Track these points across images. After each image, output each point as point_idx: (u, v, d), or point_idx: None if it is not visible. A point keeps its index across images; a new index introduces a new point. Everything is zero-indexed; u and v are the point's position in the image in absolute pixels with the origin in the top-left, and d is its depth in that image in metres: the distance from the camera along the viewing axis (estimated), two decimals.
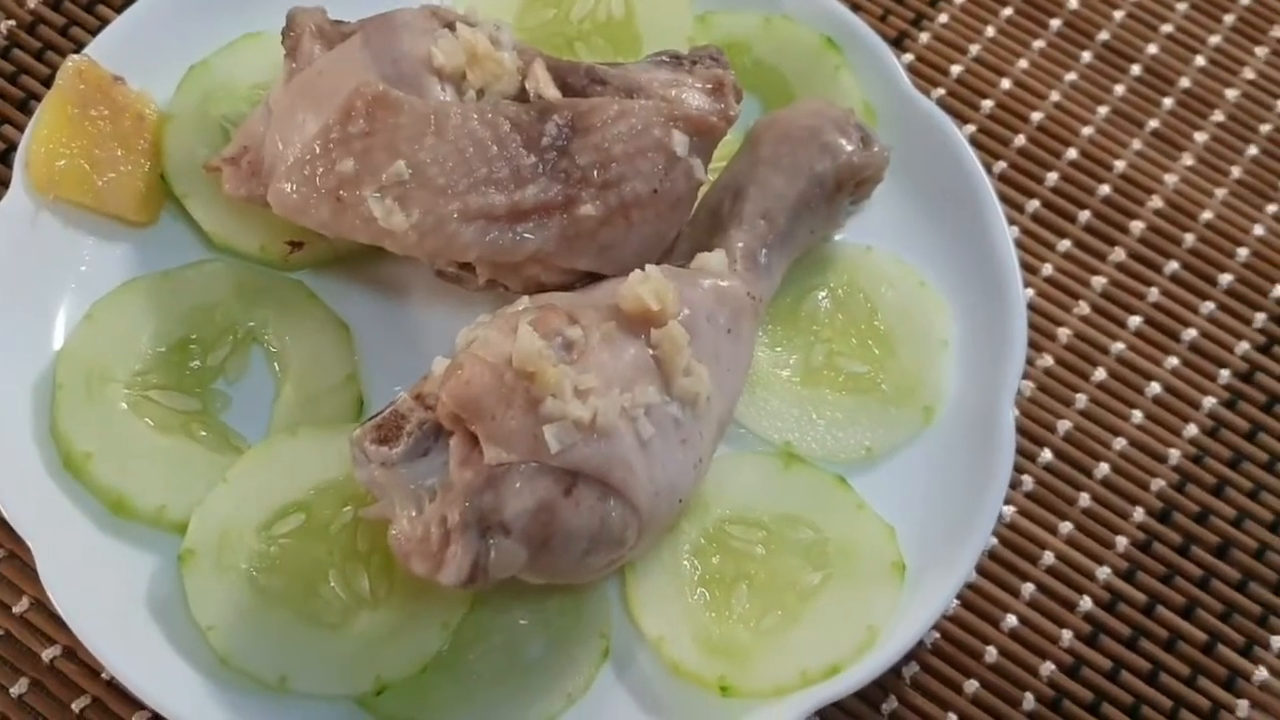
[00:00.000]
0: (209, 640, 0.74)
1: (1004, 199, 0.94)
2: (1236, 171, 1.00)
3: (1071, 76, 1.02)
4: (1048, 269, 0.95)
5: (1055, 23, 1.04)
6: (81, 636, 0.73)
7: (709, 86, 0.81)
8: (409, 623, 0.75)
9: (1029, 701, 0.82)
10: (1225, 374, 0.93)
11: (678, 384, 0.74)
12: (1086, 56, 1.03)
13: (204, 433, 0.80)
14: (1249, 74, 1.04)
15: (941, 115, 0.91)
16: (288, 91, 0.80)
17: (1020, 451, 0.87)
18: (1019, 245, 0.93)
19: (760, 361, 0.84)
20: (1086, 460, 0.89)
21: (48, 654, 0.78)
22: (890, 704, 0.81)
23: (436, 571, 0.69)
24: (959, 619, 0.84)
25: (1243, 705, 0.83)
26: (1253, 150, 1.01)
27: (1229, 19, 1.06)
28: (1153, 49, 1.04)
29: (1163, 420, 0.91)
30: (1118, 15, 1.05)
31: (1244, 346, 0.94)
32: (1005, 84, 1.01)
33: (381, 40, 0.79)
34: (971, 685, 0.82)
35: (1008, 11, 1.04)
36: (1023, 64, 1.02)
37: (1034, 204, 0.97)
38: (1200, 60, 1.04)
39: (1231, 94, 1.03)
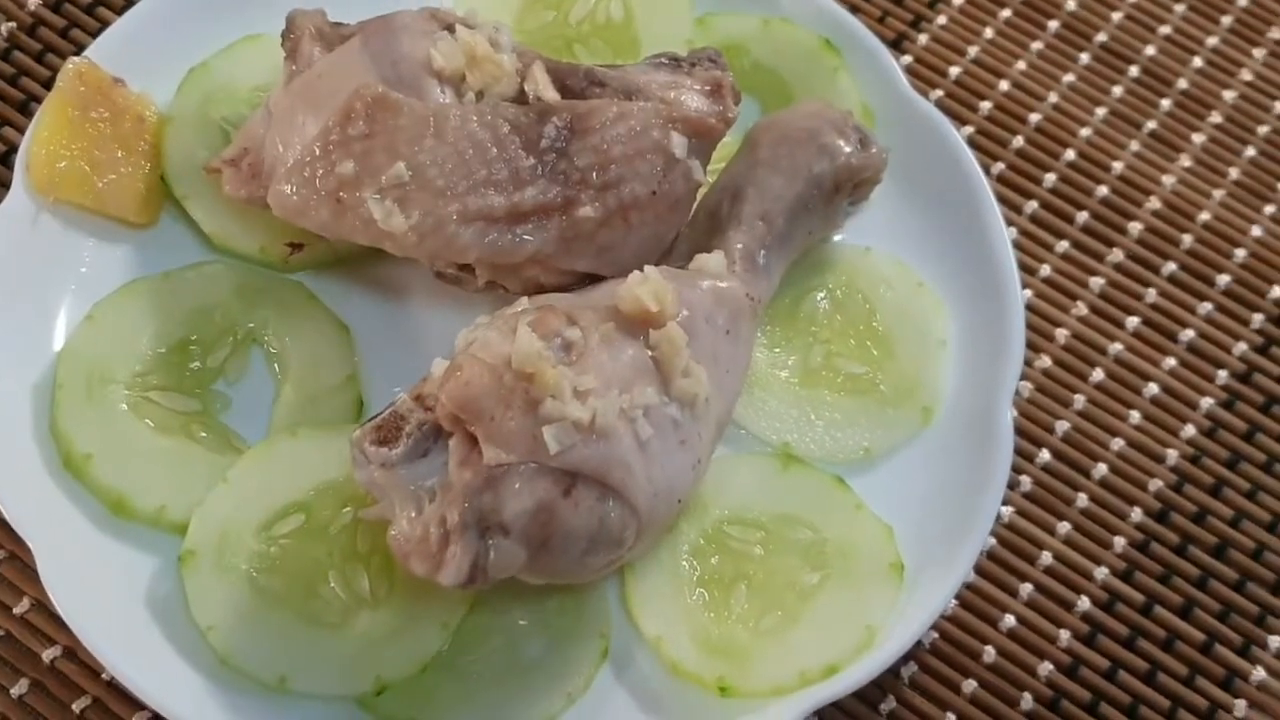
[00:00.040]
0: (209, 640, 0.74)
1: (1002, 200, 0.94)
2: (1234, 173, 1.00)
3: (1069, 78, 1.02)
4: (1046, 270, 0.95)
5: (1053, 24, 1.05)
6: (82, 637, 0.73)
7: (707, 88, 0.82)
8: (409, 623, 0.75)
9: (1027, 701, 0.82)
10: (1223, 375, 0.93)
11: (676, 385, 0.74)
12: (1084, 58, 1.04)
13: (204, 433, 0.80)
14: (1246, 75, 1.04)
15: (940, 117, 0.91)
16: (287, 93, 0.80)
17: (1018, 452, 0.87)
18: (1017, 246, 0.93)
19: (759, 362, 0.85)
20: (1084, 461, 0.89)
21: (48, 654, 0.79)
22: (889, 704, 0.81)
23: (436, 572, 0.69)
24: (957, 619, 0.84)
25: (1240, 705, 0.83)
26: (1250, 151, 1.01)
27: (1226, 21, 1.06)
28: (1150, 50, 1.04)
29: (1160, 421, 0.91)
30: (1116, 17, 1.05)
31: (1242, 347, 0.94)
32: (1003, 85, 1.02)
33: (381, 42, 0.80)
34: (970, 685, 0.83)
35: (1006, 13, 1.05)
36: (1021, 65, 1.03)
37: (1032, 205, 0.98)
38: (1198, 62, 1.04)
39: (1229, 95, 1.03)
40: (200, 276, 0.84)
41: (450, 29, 0.81)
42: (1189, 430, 0.91)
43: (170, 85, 0.88)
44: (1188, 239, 0.97)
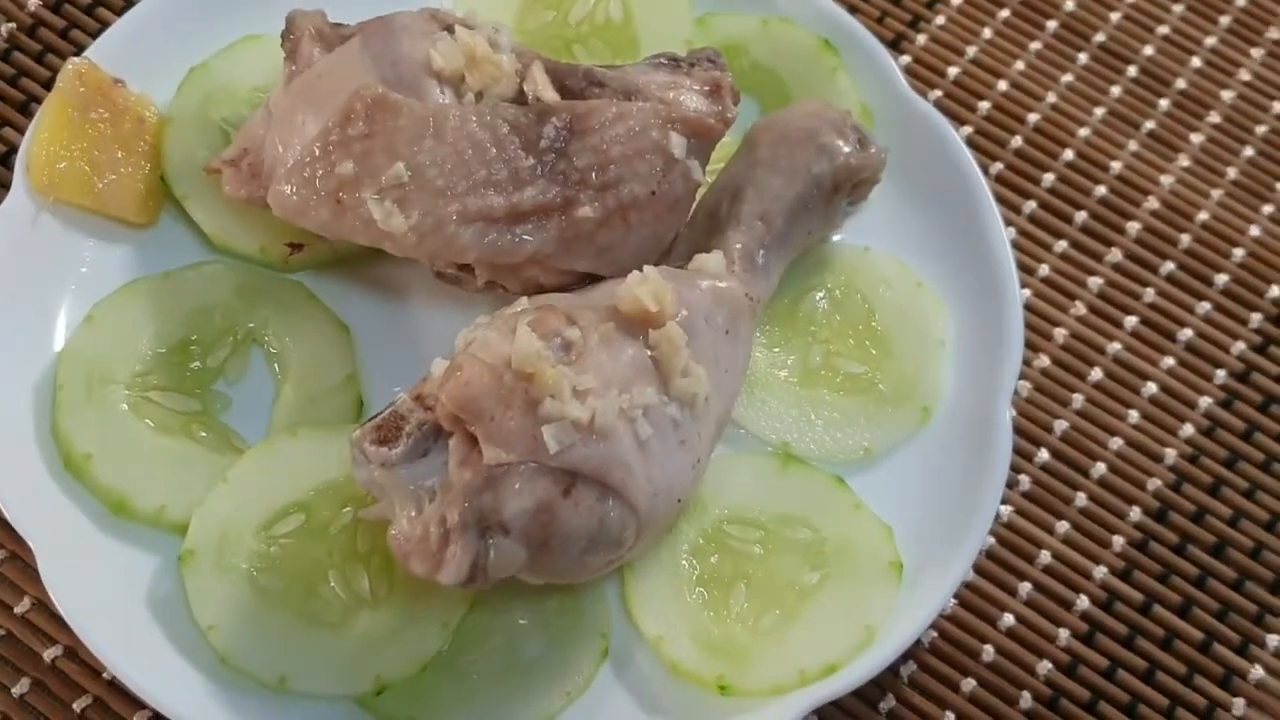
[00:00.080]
0: (209, 640, 0.74)
1: (1001, 200, 0.94)
2: (1232, 172, 1.00)
3: (1068, 78, 1.03)
4: (1044, 270, 0.95)
5: (1052, 24, 1.05)
6: (82, 636, 0.74)
7: (706, 89, 0.82)
8: (409, 623, 0.75)
9: (1026, 700, 0.83)
10: (1221, 374, 0.93)
11: (676, 385, 0.74)
12: (1083, 58, 1.04)
13: (204, 433, 0.80)
14: (1245, 75, 1.04)
15: (938, 117, 0.91)
16: (287, 94, 0.80)
17: (1017, 451, 0.87)
18: (1016, 246, 0.93)
19: (758, 362, 0.85)
20: (1083, 460, 0.89)
21: (49, 654, 0.79)
22: (888, 703, 0.82)
23: (436, 571, 0.70)
24: (956, 618, 0.84)
25: (1239, 704, 0.84)
26: (1248, 151, 1.01)
27: (1225, 21, 1.06)
28: (1149, 51, 1.04)
29: (1159, 420, 0.91)
30: (1114, 17, 1.05)
31: (1240, 347, 0.94)
32: (1002, 86, 1.02)
33: (381, 43, 0.80)
34: (969, 684, 0.83)
35: (1004, 13, 1.05)
36: (1019, 66, 1.03)
37: (1031, 205, 0.98)
38: (1196, 62, 1.04)
39: (1227, 95, 1.03)
40: (200, 277, 0.84)
41: (450, 30, 0.81)
42: (1187, 430, 0.91)
43: (170, 86, 0.88)
44: (1186, 239, 0.98)
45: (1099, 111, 1.01)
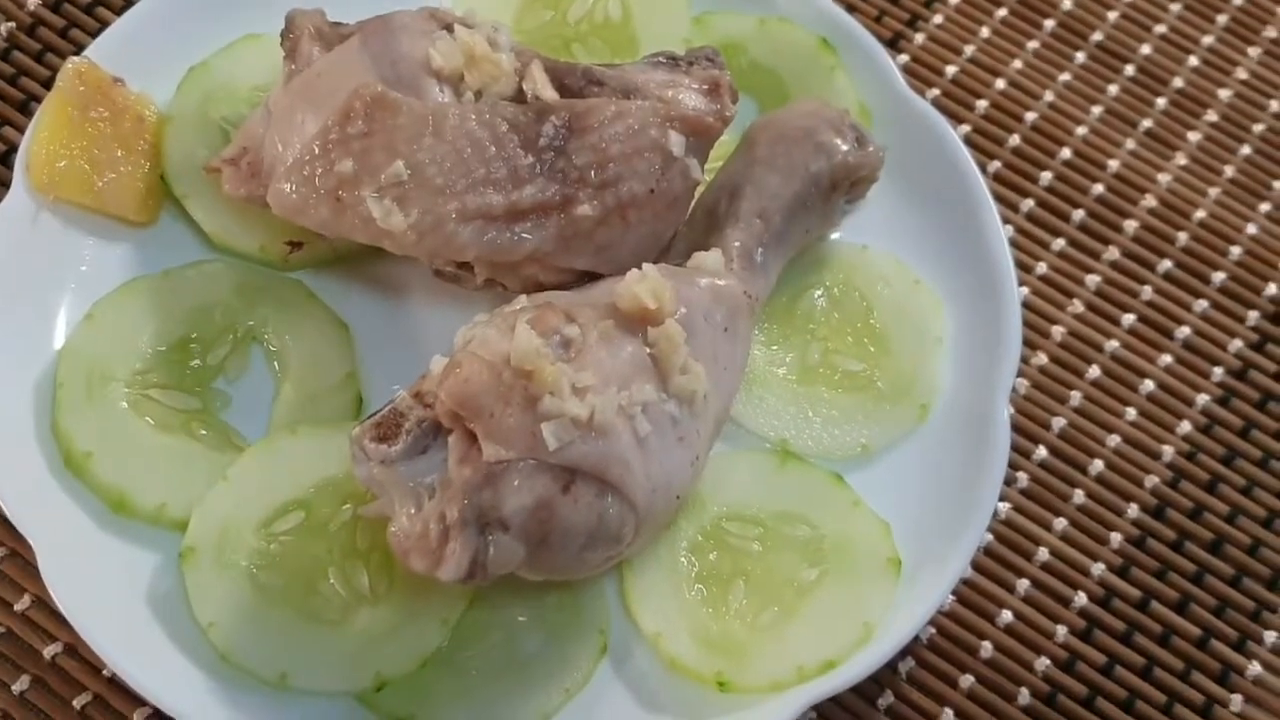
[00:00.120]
0: (210, 637, 0.74)
1: (998, 198, 0.94)
2: (1229, 171, 1.01)
3: (1065, 77, 1.03)
4: (1042, 267, 0.96)
5: (1049, 23, 1.05)
6: (83, 633, 0.74)
7: (705, 87, 0.82)
8: (408, 619, 0.76)
9: (1024, 696, 0.83)
10: (1219, 371, 0.94)
11: (675, 382, 0.74)
12: (1080, 57, 1.04)
13: (204, 431, 0.80)
14: (1241, 74, 1.04)
15: (936, 115, 0.91)
16: (287, 93, 0.80)
17: (1015, 448, 0.87)
18: (1013, 244, 0.93)
19: (757, 359, 0.85)
20: (1081, 457, 0.90)
21: (49, 651, 0.79)
22: (886, 699, 0.82)
23: (435, 568, 0.70)
24: (954, 614, 0.84)
25: (1236, 700, 0.84)
26: (1245, 150, 1.02)
27: (1222, 19, 1.06)
28: (1146, 49, 1.05)
29: (1157, 417, 0.91)
30: (1111, 16, 1.06)
31: (1237, 344, 0.95)
32: (1000, 84, 1.02)
33: (380, 42, 0.80)
34: (967, 680, 0.83)
35: (1002, 12, 1.05)
36: (1017, 64, 1.03)
37: (1028, 203, 0.98)
38: (1193, 60, 1.04)
39: (1224, 94, 1.03)
40: (200, 275, 0.84)
41: (449, 28, 0.81)
42: (1185, 427, 0.91)
43: (170, 85, 0.88)
44: (1183, 237, 0.98)
45: (1097, 110, 1.02)
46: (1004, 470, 0.81)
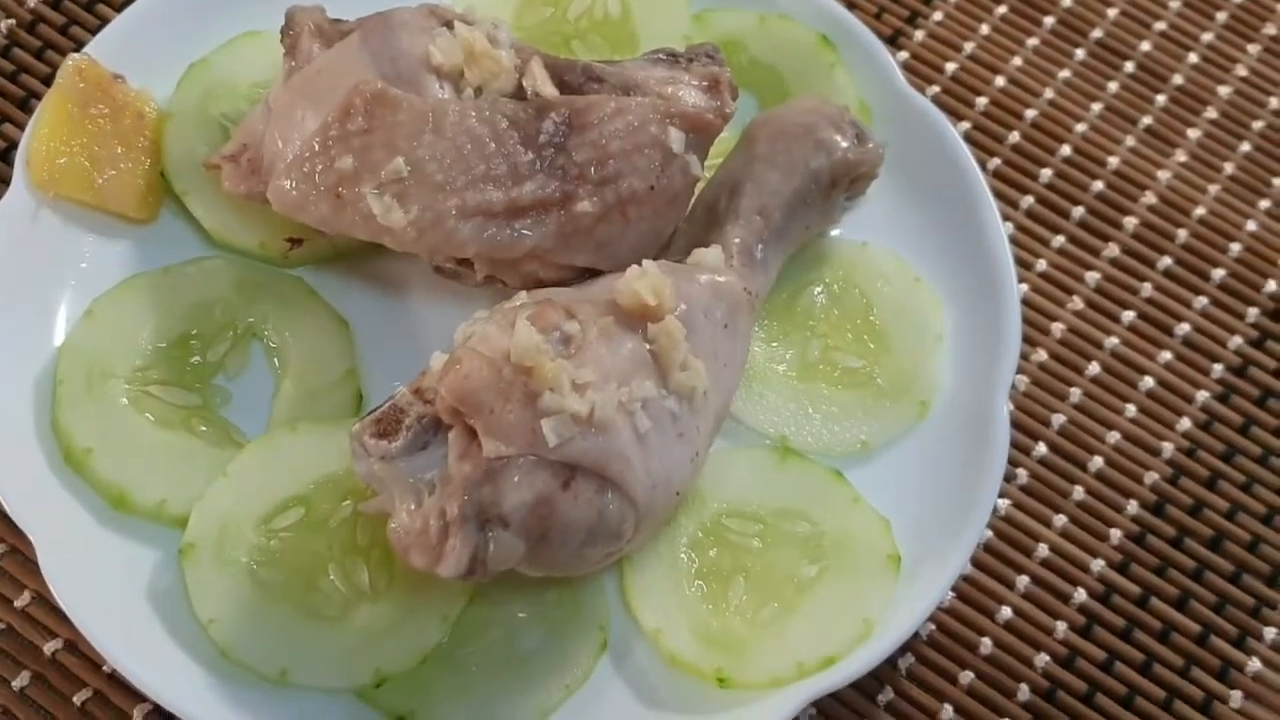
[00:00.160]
0: (210, 633, 0.74)
1: (998, 195, 0.94)
2: (1229, 167, 1.01)
3: (1065, 74, 1.03)
4: (1042, 264, 0.96)
5: (1049, 20, 1.05)
6: (83, 630, 0.74)
7: (705, 84, 0.82)
8: (408, 615, 0.76)
9: (1024, 693, 0.83)
10: (1218, 368, 0.94)
11: (675, 378, 0.74)
12: (1080, 54, 1.04)
13: (204, 428, 0.80)
14: (1241, 71, 1.04)
15: (936, 112, 0.91)
16: (287, 89, 0.81)
17: (1015, 445, 0.87)
18: (1013, 241, 0.93)
19: (756, 356, 0.85)
20: (1080, 454, 0.90)
21: (49, 647, 0.79)
22: (886, 695, 0.82)
23: (435, 564, 0.70)
24: (954, 611, 0.85)
25: (1236, 696, 0.84)
26: (1245, 146, 1.02)
27: (1221, 16, 1.06)
28: (1146, 46, 1.05)
29: (1156, 414, 0.92)
30: (1111, 13, 1.06)
31: (1237, 341, 0.95)
32: (999, 81, 1.02)
33: (380, 39, 0.80)
34: (966, 676, 0.83)
35: (1002, 9, 1.05)
36: (1017, 61, 1.03)
37: (1028, 200, 0.98)
38: (1193, 57, 1.05)
39: (1224, 91, 1.03)
40: (200, 272, 0.84)
41: (449, 25, 0.81)
42: (1184, 424, 0.91)
43: (170, 81, 0.88)
44: (1183, 234, 0.98)
45: (1096, 107, 1.02)
46: (1004, 467, 0.81)
